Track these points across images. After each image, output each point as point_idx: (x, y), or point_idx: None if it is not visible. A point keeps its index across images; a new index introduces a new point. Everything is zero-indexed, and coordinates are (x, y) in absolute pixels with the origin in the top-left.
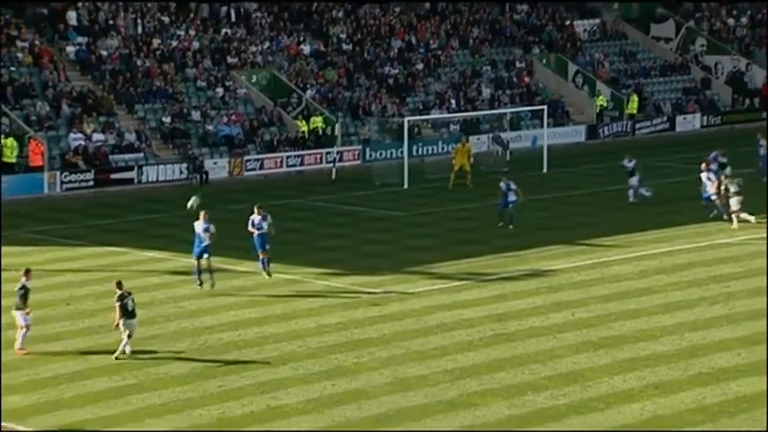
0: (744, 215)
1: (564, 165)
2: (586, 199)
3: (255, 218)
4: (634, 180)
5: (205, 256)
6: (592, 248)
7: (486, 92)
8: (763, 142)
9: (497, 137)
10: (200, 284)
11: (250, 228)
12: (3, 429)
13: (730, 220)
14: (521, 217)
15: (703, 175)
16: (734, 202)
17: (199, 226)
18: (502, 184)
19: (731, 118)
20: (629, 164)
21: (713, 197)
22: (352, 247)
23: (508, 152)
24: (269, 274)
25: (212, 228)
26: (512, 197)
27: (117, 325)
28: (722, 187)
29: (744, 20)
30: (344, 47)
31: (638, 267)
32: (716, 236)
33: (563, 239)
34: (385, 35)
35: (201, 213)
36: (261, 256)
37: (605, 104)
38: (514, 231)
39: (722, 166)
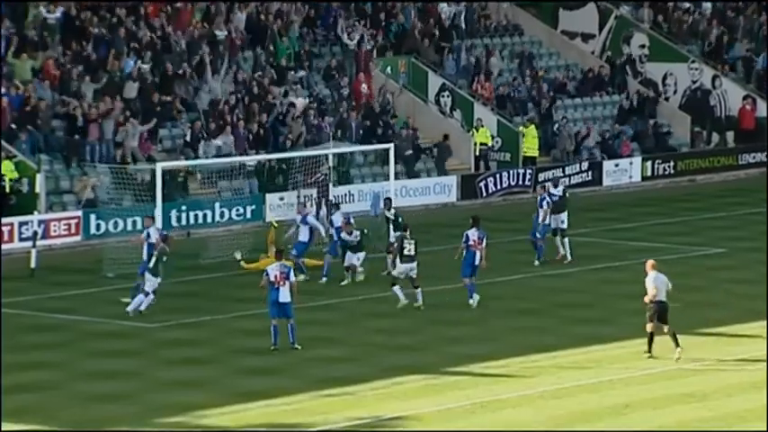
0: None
1: (424, 241)
2: (459, 297)
3: None
4: (562, 217)
5: None
6: (469, 380)
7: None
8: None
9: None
10: None
11: None
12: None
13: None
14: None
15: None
16: (401, 269)
17: None
18: (270, 270)
19: (691, 164)
20: (555, 190)
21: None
22: (63, 385)
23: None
24: None
25: None
26: (283, 295)
27: None
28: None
29: (707, 5)
30: (47, 18)
31: (545, 411)
32: (667, 358)
33: (423, 366)
34: None
35: None
36: None
37: (489, 142)
38: (337, 354)
39: (397, 225)
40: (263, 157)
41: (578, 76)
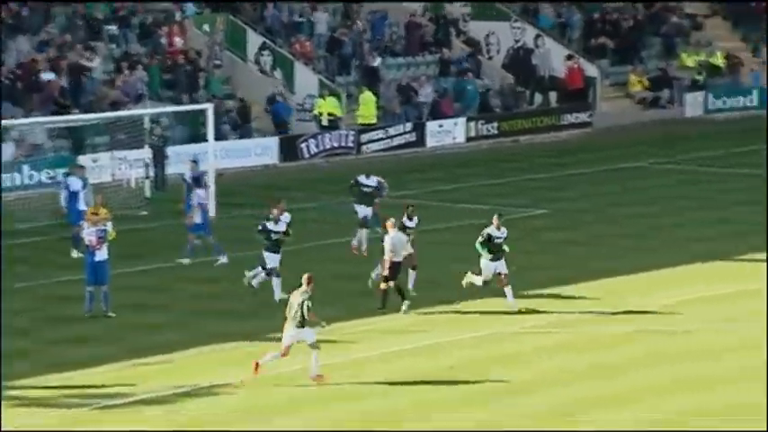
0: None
1: (243, 204)
2: (294, 260)
3: None
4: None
5: None
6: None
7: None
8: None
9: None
10: None
11: None
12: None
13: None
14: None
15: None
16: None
17: None
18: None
19: (514, 125)
20: (367, 180)
21: None
22: None
23: (148, 182)
24: None
25: None
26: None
27: None
28: None
29: None
30: None
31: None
32: (494, 322)
33: (242, 333)
34: None
35: None
36: None
37: (339, 113)
38: (156, 321)
39: None
40: (80, 117)
41: (402, 35)
